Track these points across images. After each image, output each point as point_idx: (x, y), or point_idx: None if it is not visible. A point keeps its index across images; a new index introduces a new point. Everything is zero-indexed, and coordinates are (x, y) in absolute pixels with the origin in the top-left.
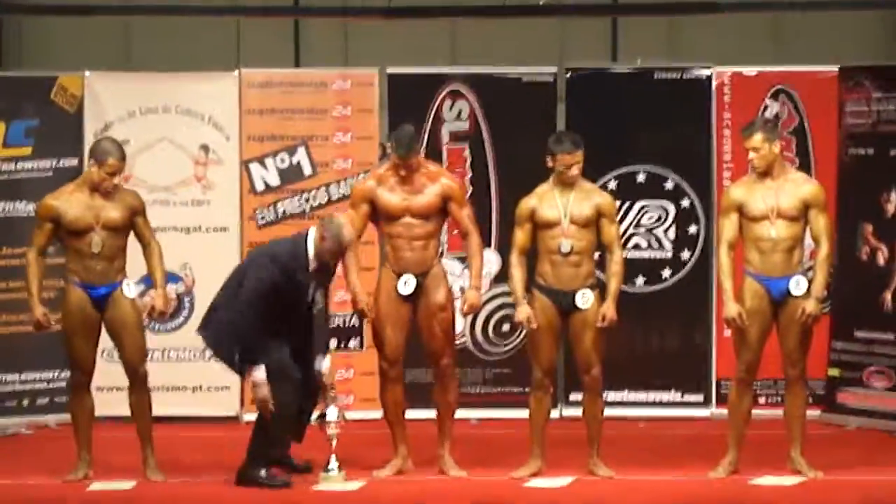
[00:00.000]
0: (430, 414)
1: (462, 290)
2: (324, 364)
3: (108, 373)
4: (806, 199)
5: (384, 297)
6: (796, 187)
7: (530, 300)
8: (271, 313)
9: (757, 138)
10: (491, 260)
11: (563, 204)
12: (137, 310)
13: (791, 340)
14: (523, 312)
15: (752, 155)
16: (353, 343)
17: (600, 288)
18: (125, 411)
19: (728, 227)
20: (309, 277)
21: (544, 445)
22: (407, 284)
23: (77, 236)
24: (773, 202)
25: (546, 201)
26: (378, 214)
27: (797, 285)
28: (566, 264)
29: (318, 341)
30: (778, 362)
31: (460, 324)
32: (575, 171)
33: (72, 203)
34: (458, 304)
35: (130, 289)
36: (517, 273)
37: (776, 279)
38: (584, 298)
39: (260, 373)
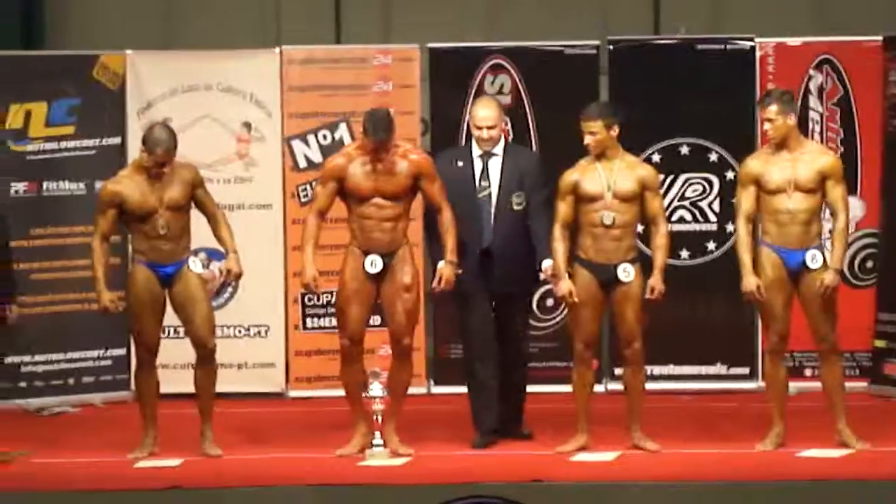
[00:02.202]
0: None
1: None
2: None
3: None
4: (823, 171)
5: (349, 275)
6: (813, 159)
7: (571, 274)
8: None
9: (772, 109)
10: None
11: (606, 177)
12: (204, 285)
13: (814, 313)
14: (565, 286)
15: (766, 126)
16: None
17: (641, 262)
18: (186, 388)
19: (746, 199)
20: None
21: (590, 420)
22: (374, 264)
23: (142, 220)
24: (791, 174)
25: (588, 174)
26: (347, 194)
27: (813, 259)
28: (608, 238)
29: None
30: None
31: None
32: (589, 140)
33: (133, 187)
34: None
35: (197, 264)
36: (559, 247)
37: (793, 251)
38: (626, 272)
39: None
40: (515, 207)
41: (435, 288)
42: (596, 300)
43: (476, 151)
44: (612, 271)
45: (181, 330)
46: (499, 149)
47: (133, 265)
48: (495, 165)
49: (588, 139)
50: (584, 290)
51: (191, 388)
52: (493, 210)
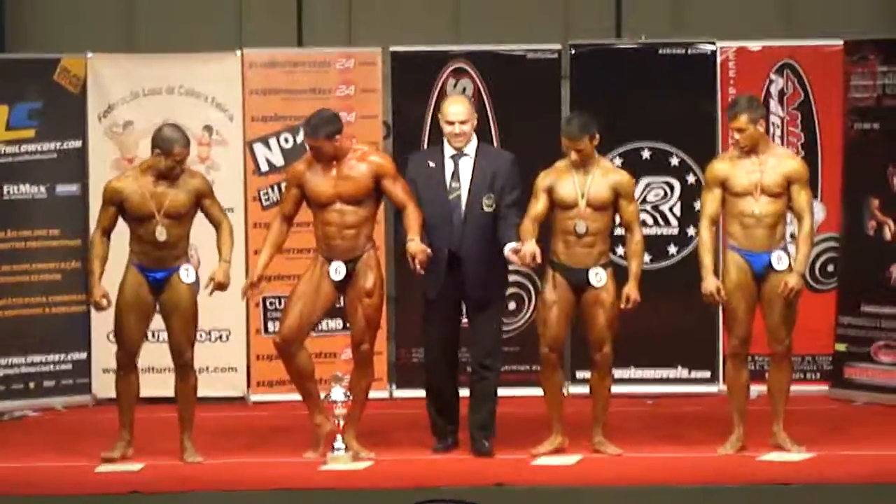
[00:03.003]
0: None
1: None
2: None
3: (154, 354)
4: (789, 175)
5: (305, 277)
6: (779, 163)
7: (546, 276)
8: None
9: (742, 119)
10: None
11: (580, 185)
12: (192, 295)
13: (774, 315)
14: (529, 247)
15: (736, 136)
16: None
17: (613, 267)
18: (167, 392)
19: (711, 201)
20: None
21: (563, 421)
22: (338, 271)
23: (140, 223)
24: (757, 178)
25: (563, 180)
26: (308, 200)
27: (779, 260)
28: (580, 244)
29: None
30: None
31: None
32: (575, 157)
33: (136, 188)
34: None
35: (189, 274)
36: (527, 233)
37: (758, 253)
38: (598, 277)
39: None
40: (486, 209)
41: (416, 270)
42: (567, 303)
43: (448, 151)
44: (584, 275)
45: (163, 334)
46: (470, 149)
47: (127, 266)
48: (466, 165)
49: (574, 156)
50: (556, 292)
51: (171, 393)
52: (462, 211)
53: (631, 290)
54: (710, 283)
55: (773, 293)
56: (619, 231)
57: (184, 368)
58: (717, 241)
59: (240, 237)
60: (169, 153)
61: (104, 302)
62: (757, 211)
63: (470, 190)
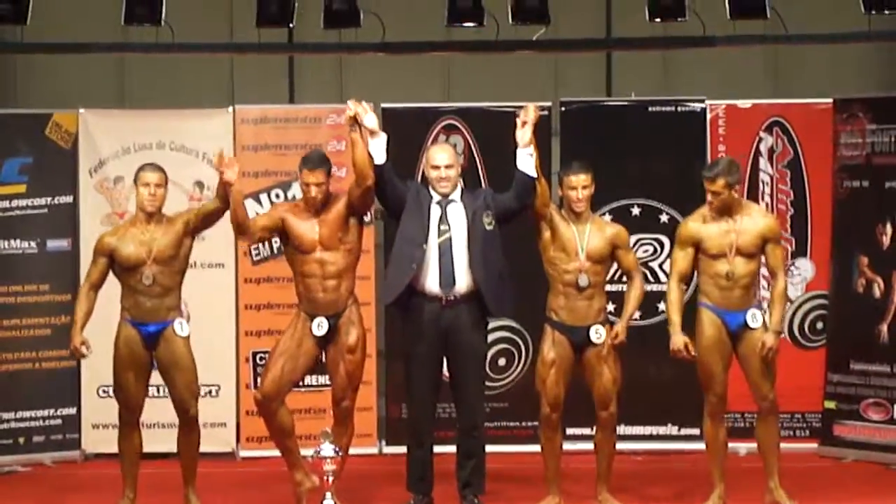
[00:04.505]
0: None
1: None
2: None
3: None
4: (764, 234)
5: (288, 333)
6: (754, 223)
7: (544, 334)
8: None
9: (720, 183)
10: None
11: (579, 238)
12: (189, 349)
13: (754, 373)
14: (533, 110)
15: (710, 198)
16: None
17: (611, 324)
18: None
19: (682, 259)
20: None
21: (560, 481)
22: (320, 326)
23: (130, 271)
24: (733, 240)
25: (563, 229)
26: (290, 246)
27: (753, 318)
28: (580, 297)
29: None
30: None
31: None
32: (583, 193)
33: (126, 238)
34: None
35: (183, 327)
36: None
37: (733, 312)
38: (598, 334)
39: None
40: (487, 227)
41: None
42: (566, 361)
43: (434, 197)
44: (584, 333)
45: (165, 389)
46: (456, 195)
47: (119, 323)
48: (455, 209)
49: (583, 194)
50: (556, 350)
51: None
52: (465, 244)
53: (622, 327)
54: (678, 340)
55: (749, 350)
56: (610, 287)
57: (189, 424)
58: (684, 299)
59: (230, 293)
60: (143, 182)
61: (83, 349)
62: (732, 271)
63: (471, 218)
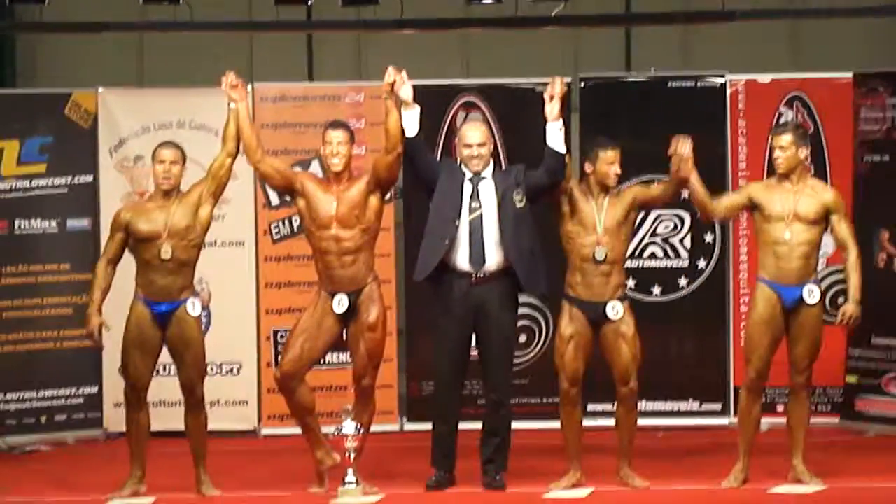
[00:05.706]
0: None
1: None
2: None
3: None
4: (828, 205)
5: (308, 312)
6: (816, 193)
7: (562, 310)
8: None
9: (787, 138)
10: None
11: (596, 212)
12: (200, 329)
13: (801, 348)
14: (559, 85)
15: (777, 153)
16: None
17: (629, 300)
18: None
19: (731, 195)
20: None
21: (581, 457)
22: (341, 304)
23: (145, 245)
24: (791, 205)
25: (582, 201)
26: (307, 220)
27: (810, 294)
28: (597, 273)
29: None
30: None
31: None
32: (618, 167)
33: (142, 213)
34: None
35: (195, 307)
36: None
37: (789, 287)
38: (615, 310)
39: None
40: (518, 205)
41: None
42: (584, 337)
43: (467, 174)
44: (601, 309)
45: (173, 368)
46: (487, 172)
47: (132, 302)
48: (486, 186)
49: (618, 168)
50: (574, 326)
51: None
52: (496, 221)
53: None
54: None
55: (802, 327)
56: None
57: (196, 404)
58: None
59: (251, 271)
60: (159, 160)
61: (98, 333)
62: (789, 238)
63: (500, 197)
